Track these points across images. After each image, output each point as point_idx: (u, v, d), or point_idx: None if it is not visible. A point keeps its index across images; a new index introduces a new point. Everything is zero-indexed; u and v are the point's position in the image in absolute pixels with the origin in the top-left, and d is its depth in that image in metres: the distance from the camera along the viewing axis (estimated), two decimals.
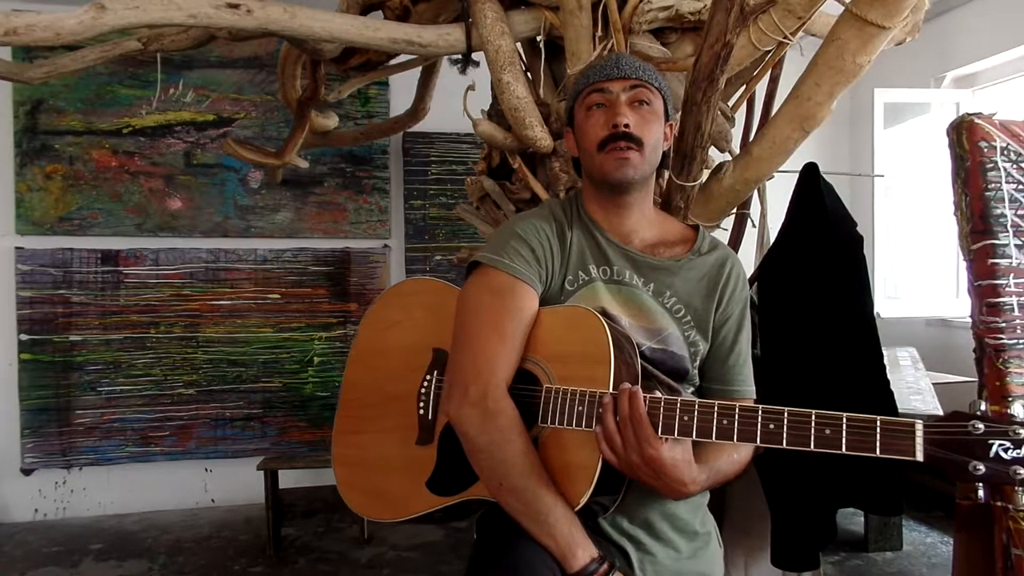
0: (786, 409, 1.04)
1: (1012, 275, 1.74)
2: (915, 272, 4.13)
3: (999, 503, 1.71)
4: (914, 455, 0.96)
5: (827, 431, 1.01)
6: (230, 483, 3.93)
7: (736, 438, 1.06)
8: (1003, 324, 1.73)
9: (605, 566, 1.12)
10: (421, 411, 1.30)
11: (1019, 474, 0.92)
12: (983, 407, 0.97)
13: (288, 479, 3.60)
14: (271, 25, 1.84)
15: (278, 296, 4.00)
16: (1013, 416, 0.96)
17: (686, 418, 1.08)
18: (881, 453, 0.98)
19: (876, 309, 2.74)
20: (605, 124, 1.26)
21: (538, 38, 2.07)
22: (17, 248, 3.72)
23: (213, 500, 3.97)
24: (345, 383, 1.43)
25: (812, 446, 1.01)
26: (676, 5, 1.93)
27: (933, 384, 2.83)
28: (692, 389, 1.32)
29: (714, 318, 1.30)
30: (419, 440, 1.29)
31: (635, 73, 1.29)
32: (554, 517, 1.12)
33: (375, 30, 1.95)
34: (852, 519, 3.41)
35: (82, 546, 3.41)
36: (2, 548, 3.40)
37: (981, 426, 0.94)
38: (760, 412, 1.05)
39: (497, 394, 1.16)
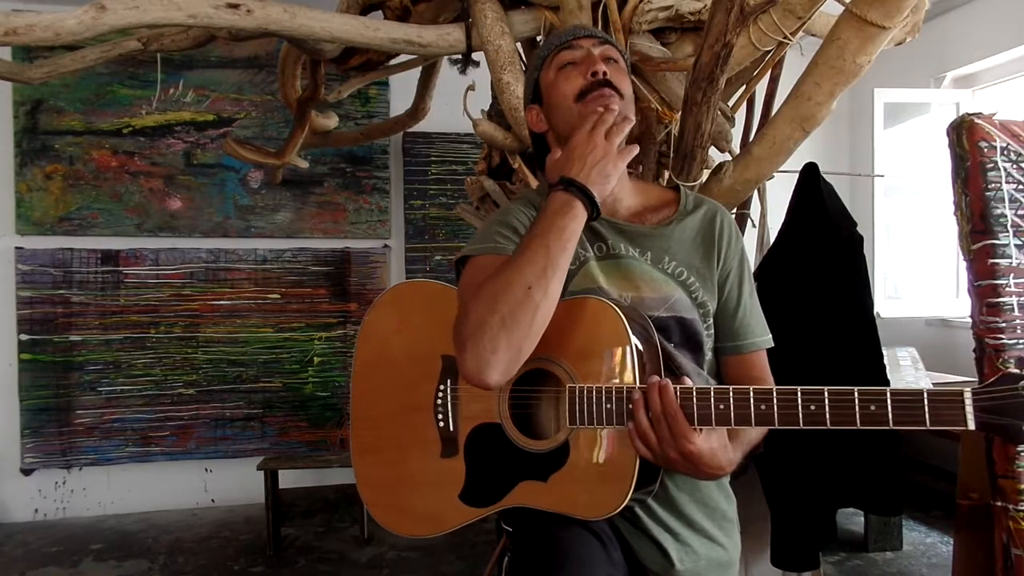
0: (826, 388, 1.01)
1: (1012, 275, 1.74)
2: (915, 272, 4.13)
3: (999, 503, 1.71)
4: (966, 424, 0.95)
5: (872, 407, 0.98)
6: (230, 483, 3.93)
7: (777, 423, 1.03)
8: (1003, 324, 1.73)
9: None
10: (440, 423, 1.23)
11: None
12: None
13: (288, 479, 3.60)
14: (271, 25, 1.84)
15: (278, 296, 4.00)
16: None
17: (722, 406, 1.05)
18: (932, 425, 0.96)
19: (876, 309, 2.74)
20: (581, 75, 1.23)
21: (538, 38, 2.07)
22: (17, 248, 3.72)
23: (213, 500, 3.97)
24: (353, 400, 1.33)
25: (858, 424, 0.99)
26: (676, 5, 1.93)
27: (933, 384, 2.83)
28: (709, 358, 1.28)
29: (717, 274, 1.27)
30: (443, 453, 1.23)
31: (600, 34, 1.30)
32: (537, 234, 1.12)
33: (375, 30, 1.95)
34: (852, 519, 3.41)
35: (82, 546, 3.41)
36: (2, 548, 3.40)
37: None
38: (800, 393, 1.02)
39: None
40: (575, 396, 1.12)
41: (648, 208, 1.32)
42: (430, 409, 1.25)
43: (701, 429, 1.06)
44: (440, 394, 1.24)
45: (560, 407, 1.15)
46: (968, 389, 0.95)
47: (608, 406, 1.10)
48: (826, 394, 1.00)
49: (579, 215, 1.13)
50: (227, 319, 3.94)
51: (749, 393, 1.04)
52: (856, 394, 0.99)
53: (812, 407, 1.01)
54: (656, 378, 1.08)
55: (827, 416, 1.00)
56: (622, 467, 1.11)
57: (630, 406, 1.08)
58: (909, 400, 0.97)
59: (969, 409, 0.95)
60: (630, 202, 1.31)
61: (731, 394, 1.05)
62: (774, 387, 1.04)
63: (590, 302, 1.15)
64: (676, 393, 1.06)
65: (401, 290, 1.37)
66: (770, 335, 1.31)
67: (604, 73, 1.22)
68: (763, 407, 1.03)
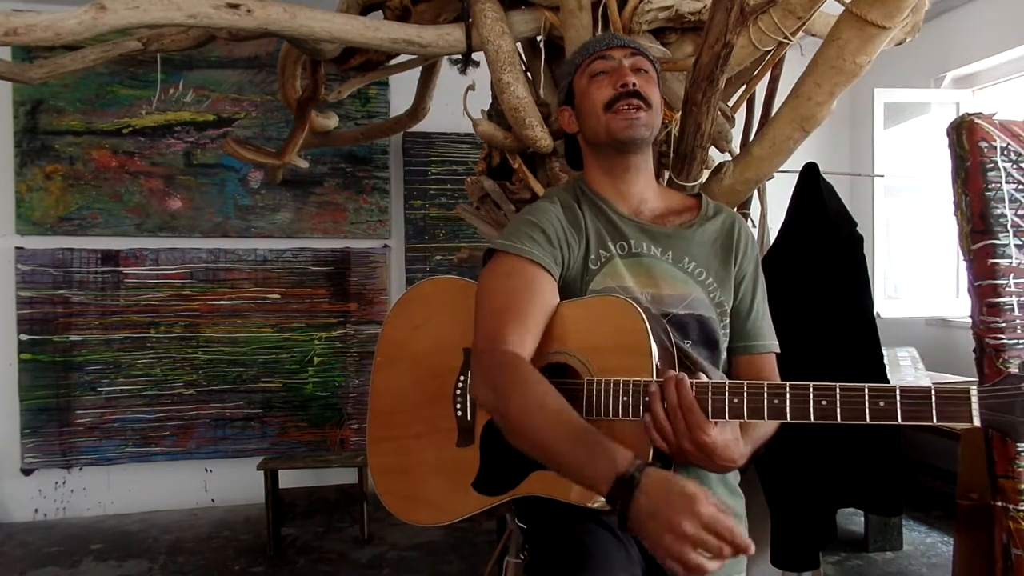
0: (838, 385, 1.04)
1: (1012, 275, 1.74)
2: (915, 272, 4.13)
3: (999, 503, 1.71)
4: (971, 419, 0.98)
5: (881, 403, 1.01)
6: (230, 483, 3.93)
7: (789, 417, 1.06)
8: (1003, 324, 1.73)
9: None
10: (459, 413, 1.28)
11: None
12: None
13: (288, 479, 3.60)
14: (271, 25, 1.84)
15: (278, 296, 4.00)
16: None
17: (736, 400, 1.07)
18: (938, 421, 0.99)
19: (876, 309, 2.74)
20: (611, 85, 1.30)
21: (538, 38, 2.07)
22: (17, 248, 3.72)
23: (213, 500, 3.97)
24: (373, 391, 1.39)
25: (868, 419, 1.02)
26: (676, 5, 1.93)
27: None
28: (724, 356, 1.33)
29: (733, 277, 1.34)
30: (459, 442, 1.27)
31: (633, 44, 1.37)
32: (593, 464, 1.00)
33: (375, 30, 1.95)
34: (852, 519, 3.41)
35: (82, 546, 3.41)
36: (2, 548, 3.40)
37: None
38: (811, 389, 1.04)
39: (504, 357, 1.13)
40: (592, 389, 1.14)
41: (671, 211, 1.38)
42: (449, 399, 1.30)
43: (716, 422, 1.09)
44: (460, 385, 1.29)
45: (577, 400, 1.17)
46: (975, 387, 0.99)
47: (625, 399, 1.12)
48: (838, 390, 1.03)
49: (596, 491, 1.00)
50: (227, 319, 3.94)
51: (763, 388, 1.07)
52: (866, 390, 1.02)
53: (824, 402, 1.04)
54: (673, 372, 1.11)
55: (838, 411, 1.03)
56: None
57: (647, 399, 1.10)
58: (917, 396, 1.00)
59: (975, 406, 0.98)
60: (654, 204, 1.38)
61: (745, 388, 1.08)
62: (787, 383, 1.07)
63: (611, 300, 1.19)
64: (692, 387, 1.08)
65: (424, 288, 1.42)
66: (778, 342, 1.38)
67: (633, 84, 1.29)
68: (776, 401, 1.06)
